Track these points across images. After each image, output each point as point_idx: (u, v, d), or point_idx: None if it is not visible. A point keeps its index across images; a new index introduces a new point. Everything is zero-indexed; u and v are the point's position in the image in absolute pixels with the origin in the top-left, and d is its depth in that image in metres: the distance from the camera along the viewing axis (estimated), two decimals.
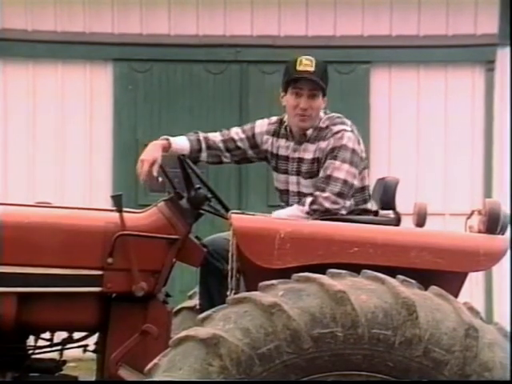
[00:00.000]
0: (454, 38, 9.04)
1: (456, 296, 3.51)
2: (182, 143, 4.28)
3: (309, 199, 3.96)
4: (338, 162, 3.99)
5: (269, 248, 3.54)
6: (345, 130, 4.06)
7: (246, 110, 9.08)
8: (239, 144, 4.34)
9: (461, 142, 9.00)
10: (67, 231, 3.95)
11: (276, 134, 4.30)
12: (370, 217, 4.17)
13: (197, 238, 4.23)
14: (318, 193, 3.96)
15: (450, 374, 3.17)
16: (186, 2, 9.08)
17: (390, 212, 4.21)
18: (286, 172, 4.25)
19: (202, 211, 4.17)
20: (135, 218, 4.05)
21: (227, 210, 4.08)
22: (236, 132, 4.36)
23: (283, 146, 4.26)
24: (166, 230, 4.00)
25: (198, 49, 9.07)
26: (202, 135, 4.35)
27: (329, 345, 3.15)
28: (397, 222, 4.15)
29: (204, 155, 4.33)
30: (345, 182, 3.97)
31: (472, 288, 8.19)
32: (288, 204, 4.22)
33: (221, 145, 4.34)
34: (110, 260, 3.91)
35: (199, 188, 4.16)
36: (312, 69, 4.09)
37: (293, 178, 4.21)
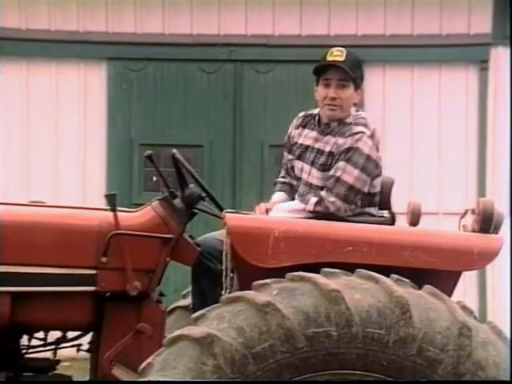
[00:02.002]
0: (447, 38, 9.05)
1: (450, 295, 3.52)
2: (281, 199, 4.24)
3: (314, 199, 3.93)
4: (349, 166, 3.93)
5: (263, 247, 3.53)
6: (364, 133, 3.99)
7: (240, 109, 9.09)
8: (289, 165, 4.31)
9: (455, 141, 9.02)
10: (61, 230, 3.95)
11: (303, 124, 4.25)
12: (365, 216, 4.16)
13: (190, 237, 4.22)
14: (324, 194, 3.92)
15: (444, 372, 3.18)
16: (180, 2, 9.08)
17: (385, 212, 4.20)
18: (302, 159, 4.19)
19: (195, 210, 4.17)
20: (129, 217, 4.04)
21: (221, 209, 4.08)
22: (285, 156, 4.34)
23: (307, 136, 4.19)
24: (160, 229, 4.00)
25: (192, 48, 9.07)
26: (283, 182, 4.33)
27: (323, 344, 3.15)
28: (392, 221, 4.14)
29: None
30: (351, 187, 3.92)
31: (466, 287, 8.20)
32: (297, 191, 4.19)
33: (288, 179, 4.33)
34: (103, 259, 3.91)
35: (193, 187, 4.16)
36: (342, 58, 4.06)
37: (306, 167, 4.16)
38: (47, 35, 8.97)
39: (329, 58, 4.08)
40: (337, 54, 4.08)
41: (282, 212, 4.02)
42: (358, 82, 4.11)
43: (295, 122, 4.31)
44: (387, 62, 9.12)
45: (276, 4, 9.07)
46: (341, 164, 3.96)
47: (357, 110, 4.16)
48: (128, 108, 9.10)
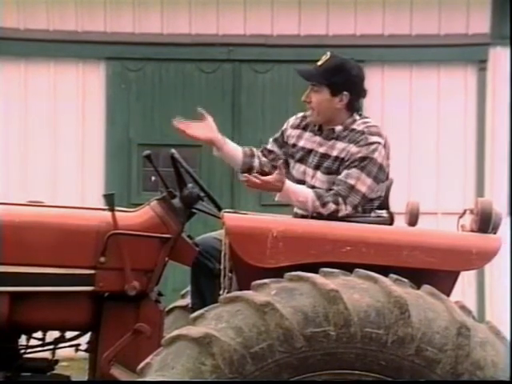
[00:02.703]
0: (446, 38, 9.06)
1: (448, 295, 3.52)
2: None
3: (332, 206, 3.89)
4: (363, 175, 3.92)
5: (261, 247, 3.53)
6: (379, 144, 3.97)
7: (239, 109, 9.09)
8: (269, 147, 4.32)
9: (453, 141, 9.02)
10: (59, 230, 3.94)
11: (303, 126, 4.23)
12: (364, 217, 4.15)
13: (189, 237, 4.22)
14: (340, 200, 3.90)
15: (443, 372, 3.18)
16: (179, 1, 9.08)
17: (384, 211, 4.20)
18: (304, 163, 4.17)
19: (194, 210, 4.17)
20: (127, 217, 4.04)
21: (220, 209, 4.09)
22: (270, 143, 4.36)
23: (309, 139, 4.18)
24: (159, 229, 4.00)
25: (191, 48, 9.07)
26: (250, 149, 4.40)
27: (321, 344, 3.15)
28: (390, 221, 4.14)
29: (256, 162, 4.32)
30: (364, 196, 3.93)
31: (464, 287, 8.19)
32: None
33: (258, 152, 4.35)
34: (102, 259, 3.90)
35: (192, 187, 4.16)
36: (319, 63, 4.09)
37: (309, 171, 4.13)
38: (46, 35, 8.97)
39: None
40: (320, 59, 4.11)
41: (290, 192, 3.94)
42: (333, 87, 4.06)
43: (294, 120, 4.28)
44: (386, 61, 9.11)
45: (274, 4, 9.07)
46: (355, 172, 3.94)
47: (360, 114, 4.13)
48: (126, 108, 9.10)
